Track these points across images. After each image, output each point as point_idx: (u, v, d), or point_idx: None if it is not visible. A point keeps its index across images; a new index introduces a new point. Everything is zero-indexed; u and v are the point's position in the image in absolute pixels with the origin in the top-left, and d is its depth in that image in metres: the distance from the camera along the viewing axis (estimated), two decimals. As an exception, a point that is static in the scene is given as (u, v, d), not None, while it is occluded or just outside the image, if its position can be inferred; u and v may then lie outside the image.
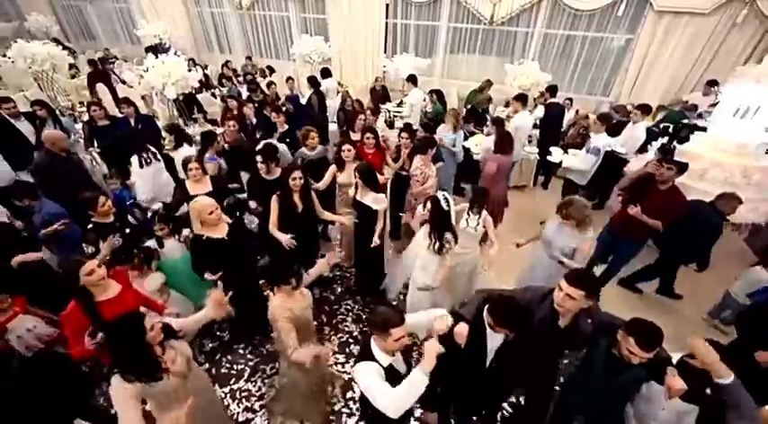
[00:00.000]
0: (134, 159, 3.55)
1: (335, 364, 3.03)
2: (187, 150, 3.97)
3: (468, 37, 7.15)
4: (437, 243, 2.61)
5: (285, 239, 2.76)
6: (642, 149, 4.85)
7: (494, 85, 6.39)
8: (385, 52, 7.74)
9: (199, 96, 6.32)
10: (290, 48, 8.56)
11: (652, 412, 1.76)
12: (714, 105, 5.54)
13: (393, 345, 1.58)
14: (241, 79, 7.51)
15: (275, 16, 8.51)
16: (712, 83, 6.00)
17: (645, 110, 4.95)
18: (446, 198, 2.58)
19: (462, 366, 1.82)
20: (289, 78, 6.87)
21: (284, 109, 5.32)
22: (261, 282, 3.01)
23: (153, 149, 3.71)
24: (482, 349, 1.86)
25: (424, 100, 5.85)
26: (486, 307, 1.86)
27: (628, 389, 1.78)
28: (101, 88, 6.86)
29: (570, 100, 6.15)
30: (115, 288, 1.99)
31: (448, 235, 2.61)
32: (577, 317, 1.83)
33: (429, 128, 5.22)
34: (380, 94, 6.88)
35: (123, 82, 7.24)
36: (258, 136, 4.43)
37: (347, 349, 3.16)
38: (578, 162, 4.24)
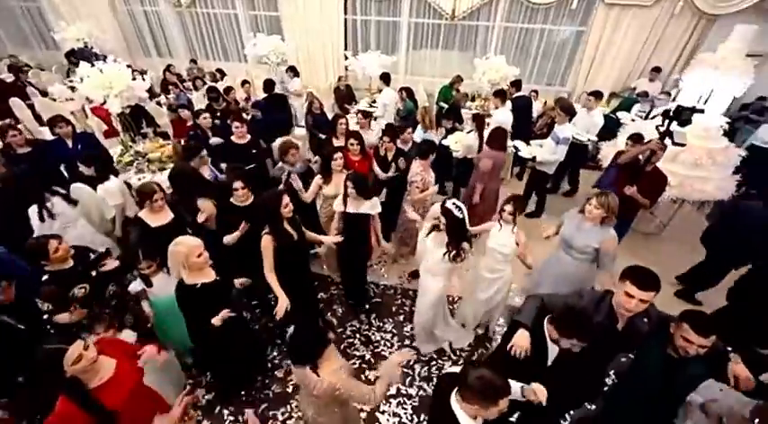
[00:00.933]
0: (32, 211, 2.78)
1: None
2: (114, 183, 3.39)
3: (431, 32, 7.07)
4: (453, 253, 2.45)
5: (284, 303, 2.27)
6: (612, 136, 5.12)
7: (459, 83, 6.41)
8: (346, 50, 7.42)
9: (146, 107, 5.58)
10: (241, 49, 7.98)
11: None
12: (664, 92, 6.04)
13: (493, 414, 1.38)
14: (189, 85, 6.79)
15: (221, 14, 7.78)
16: (657, 70, 6.52)
17: (598, 96, 5.22)
18: (457, 206, 2.42)
19: (524, 375, 1.69)
20: (245, 82, 6.36)
21: (250, 116, 4.87)
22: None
23: (61, 192, 2.95)
24: (544, 358, 1.80)
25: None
26: (548, 318, 1.78)
27: (686, 388, 1.75)
28: (15, 104, 5.80)
29: (536, 91, 6.31)
30: (109, 366, 1.56)
31: (465, 244, 2.46)
32: (633, 318, 1.78)
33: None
34: (345, 94, 6.57)
35: (45, 94, 6.19)
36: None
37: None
38: (548, 153, 4.24)
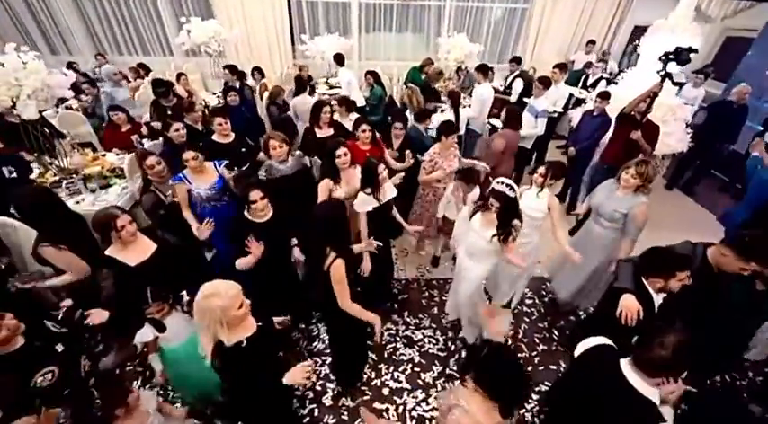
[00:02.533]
0: None
1: (418, 405, 2.51)
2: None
3: (383, 13, 6.77)
4: (505, 234, 2.27)
5: (379, 323, 1.98)
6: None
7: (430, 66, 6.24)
8: (292, 36, 6.79)
9: (46, 113, 4.38)
10: (164, 40, 6.84)
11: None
12: (602, 60, 6.61)
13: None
14: (107, 85, 5.58)
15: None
16: (591, 42, 7.11)
17: (562, 68, 5.51)
18: (509, 185, 2.22)
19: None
20: (181, 75, 5.43)
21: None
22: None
23: None
24: (651, 313, 1.75)
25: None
26: (645, 275, 1.73)
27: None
28: None
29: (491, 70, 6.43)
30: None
31: (515, 222, 2.31)
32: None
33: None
34: (308, 83, 6.02)
35: None
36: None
37: (418, 381, 2.65)
38: (529, 128, 4.27)
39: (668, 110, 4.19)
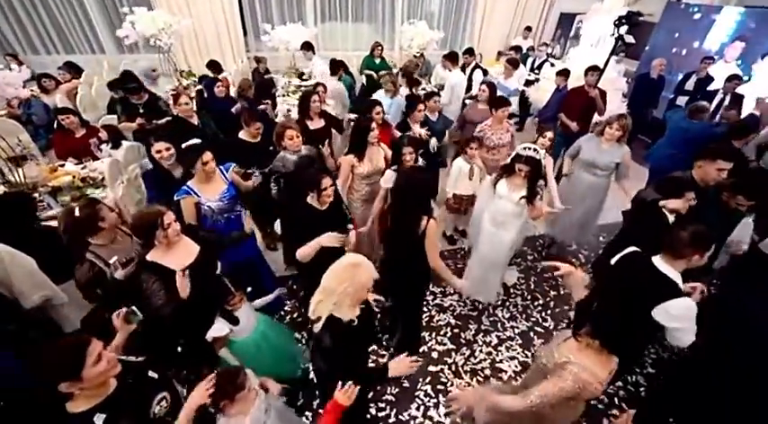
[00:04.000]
0: None
1: (467, 361, 2.71)
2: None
3: (338, 3, 6.73)
4: (531, 194, 2.52)
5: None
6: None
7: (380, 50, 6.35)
8: (244, 27, 6.44)
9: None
10: (92, 36, 6.02)
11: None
12: (544, 44, 7.35)
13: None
14: (35, 89, 4.77)
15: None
16: (528, 29, 7.85)
17: (517, 49, 6.12)
18: (534, 149, 2.45)
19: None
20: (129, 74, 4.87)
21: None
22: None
23: None
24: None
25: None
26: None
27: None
28: None
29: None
30: None
31: (540, 182, 2.60)
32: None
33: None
34: (267, 79, 5.77)
35: None
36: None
37: (460, 341, 2.85)
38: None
39: (608, 82, 4.89)
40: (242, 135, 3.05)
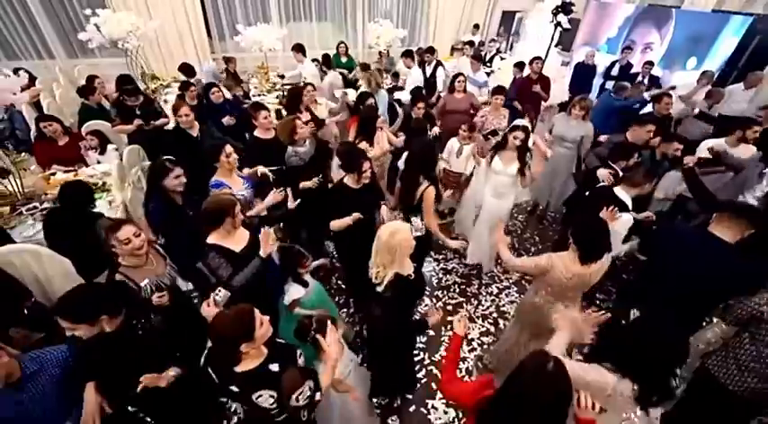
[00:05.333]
0: None
1: (476, 309, 3.20)
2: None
3: (301, 2, 6.89)
4: (523, 166, 3.04)
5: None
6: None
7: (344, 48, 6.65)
8: (207, 27, 6.37)
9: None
10: (44, 38, 5.59)
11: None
12: (493, 40, 8.12)
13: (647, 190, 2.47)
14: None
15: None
16: (476, 26, 8.61)
17: (471, 44, 6.77)
18: (524, 124, 3.02)
19: None
20: (94, 78, 4.68)
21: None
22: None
23: None
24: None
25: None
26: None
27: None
28: None
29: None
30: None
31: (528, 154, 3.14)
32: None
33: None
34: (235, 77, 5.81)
35: None
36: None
37: (468, 294, 3.33)
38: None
39: (554, 70, 5.70)
40: (257, 133, 3.08)
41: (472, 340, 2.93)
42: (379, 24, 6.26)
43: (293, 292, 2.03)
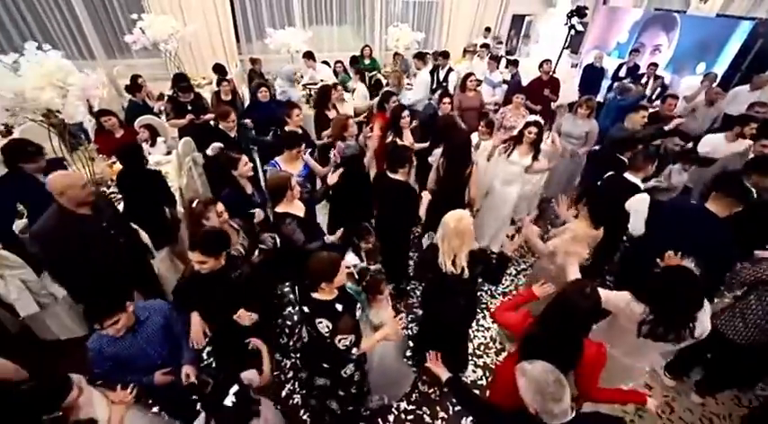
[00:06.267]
0: None
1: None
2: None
3: (323, 7, 7.27)
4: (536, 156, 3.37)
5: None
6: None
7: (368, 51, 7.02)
8: (236, 31, 6.75)
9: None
10: (87, 40, 5.99)
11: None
12: (500, 42, 8.44)
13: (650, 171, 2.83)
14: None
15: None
16: (488, 29, 8.94)
17: (494, 58, 7.09)
18: (537, 120, 3.35)
19: None
20: (137, 78, 5.06)
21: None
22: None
23: None
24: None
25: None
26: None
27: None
28: None
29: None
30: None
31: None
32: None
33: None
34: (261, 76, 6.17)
35: None
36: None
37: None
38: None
39: (566, 73, 6.02)
40: (289, 128, 3.48)
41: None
42: (399, 28, 6.59)
43: (348, 258, 2.36)
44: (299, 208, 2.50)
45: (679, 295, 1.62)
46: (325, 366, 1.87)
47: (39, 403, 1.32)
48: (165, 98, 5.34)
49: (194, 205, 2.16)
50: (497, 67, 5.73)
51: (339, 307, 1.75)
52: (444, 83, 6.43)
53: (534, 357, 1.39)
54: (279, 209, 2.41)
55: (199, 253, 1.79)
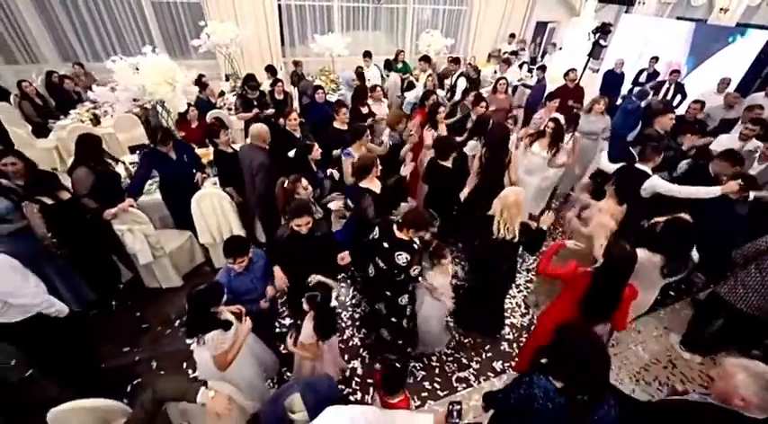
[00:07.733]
0: None
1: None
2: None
3: (360, 14, 7.90)
4: (556, 151, 3.85)
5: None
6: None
7: (402, 55, 7.59)
8: (282, 37, 7.43)
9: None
10: (140, 44, 6.74)
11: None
12: (522, 49, 8.88)
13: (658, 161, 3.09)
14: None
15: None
16: (512, 35, 9.39)
17: (507, 62, 7.58)
18: (556, 117, 3.84)
19: None
20: (201, 77, 5.75)
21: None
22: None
23: None
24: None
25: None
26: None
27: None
28: None
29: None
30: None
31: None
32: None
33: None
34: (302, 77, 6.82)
35: None
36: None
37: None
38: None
39: (587, 78, 6.42)
40: (336, 124, 3.99)
41: (519, 285, 3.74)
42: (431, 34, 7.14)
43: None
44: (377, 186, 2.99)
45: (680, 239, 2.23)
46: (387, 293, 2.41)
47: (210, 297, 1.92)
48: (225, 95, 6.05)
49: (286, 184, 2.74)
50: (507, 68, 6.21)
51: (415, 246, 2.30)
52: (453, 89, 6.68)
53: (594, 309, 1.98)
54: (362, 184, 2.91)
55: (306, 217, 2.35)
